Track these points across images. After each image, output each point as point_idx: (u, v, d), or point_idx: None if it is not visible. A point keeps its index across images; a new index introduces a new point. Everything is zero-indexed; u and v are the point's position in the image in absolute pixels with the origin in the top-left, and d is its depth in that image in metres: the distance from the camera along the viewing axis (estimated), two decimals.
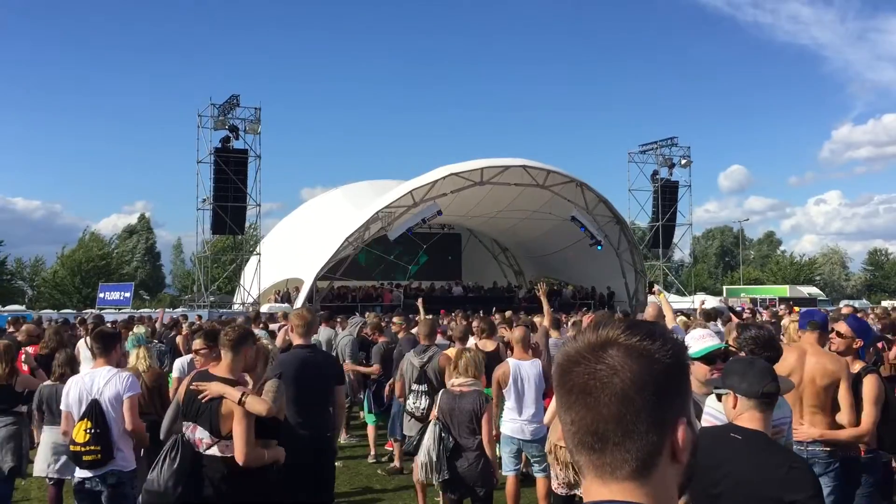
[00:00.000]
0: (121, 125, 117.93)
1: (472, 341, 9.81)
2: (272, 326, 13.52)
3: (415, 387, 7.43)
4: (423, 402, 7.34)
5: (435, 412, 6.20)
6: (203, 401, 4.51)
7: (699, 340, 4.12)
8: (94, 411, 5.21)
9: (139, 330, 9.39)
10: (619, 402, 1.18)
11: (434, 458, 5.92)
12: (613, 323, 1.26)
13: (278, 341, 7.80)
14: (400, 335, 10.68)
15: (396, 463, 9.61)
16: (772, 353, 4.22)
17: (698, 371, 4.01)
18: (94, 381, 5.37)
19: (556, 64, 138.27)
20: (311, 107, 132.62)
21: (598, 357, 1.21)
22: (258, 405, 4.44)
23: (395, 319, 11.84)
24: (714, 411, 3.61)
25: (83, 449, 5.16)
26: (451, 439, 5.95)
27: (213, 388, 4.51)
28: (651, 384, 1.19)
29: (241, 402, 4.41)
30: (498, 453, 6.94)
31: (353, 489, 8.74)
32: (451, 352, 8.20)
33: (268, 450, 4.61)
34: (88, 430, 5.16)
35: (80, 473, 5.28)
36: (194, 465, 4.46)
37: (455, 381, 6.04)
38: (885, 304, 39.80)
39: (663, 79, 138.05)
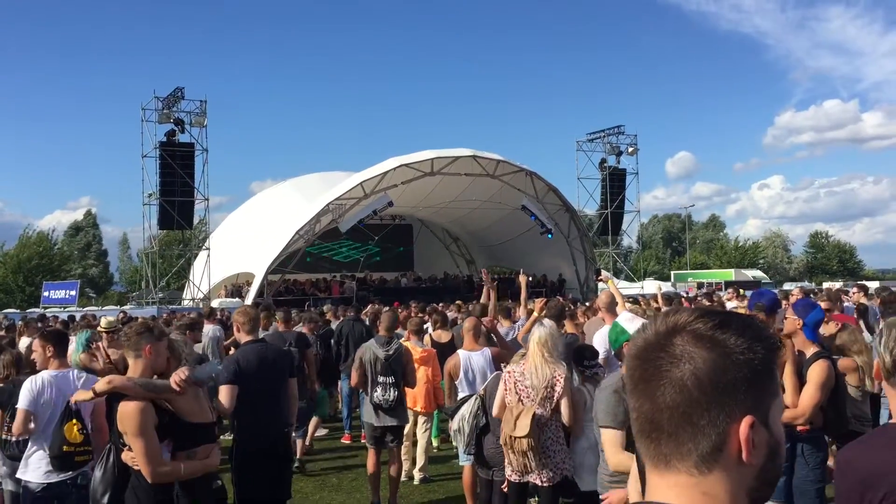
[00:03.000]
0: (63, 120, 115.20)
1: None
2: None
3: (381, 379, 7.42)
4: (392, 394, 7.42)
5: (481, 390, 6.42)
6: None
7: (629, 322, 4.24)
8: (77, 413, 4.94)
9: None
10: (676, 392, 1.15)
11: (466, 430, 6.15)
12: (685, 309, 1.23)
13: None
14: (280, 328, 10.22)
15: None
16: None
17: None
18: (67, 382, 5.17)
19: (503, 55, 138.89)
20: (260, 100, 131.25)
21: (663, 346, 1.18)
22: (118, 380, 3.84)
23: (277, 315, 11.15)
24: None
25: (76, 449, 4.90)
26: (484, 418, 6.13)
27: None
28: (713, 376, 1.14)
29: (96, 393, 3.92)
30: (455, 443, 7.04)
31: (308, 483, 8.77)
32: (409, 344, 8.25)
33: (191, 460, 4.02)
34: (81, 431, 4.90)
35: (48, 479, 5.04)
36: (125, 472, 4.03)
37: (508, 368, 6.06)
38: (826, 284, 40.90)
39: (610, 67, 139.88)
